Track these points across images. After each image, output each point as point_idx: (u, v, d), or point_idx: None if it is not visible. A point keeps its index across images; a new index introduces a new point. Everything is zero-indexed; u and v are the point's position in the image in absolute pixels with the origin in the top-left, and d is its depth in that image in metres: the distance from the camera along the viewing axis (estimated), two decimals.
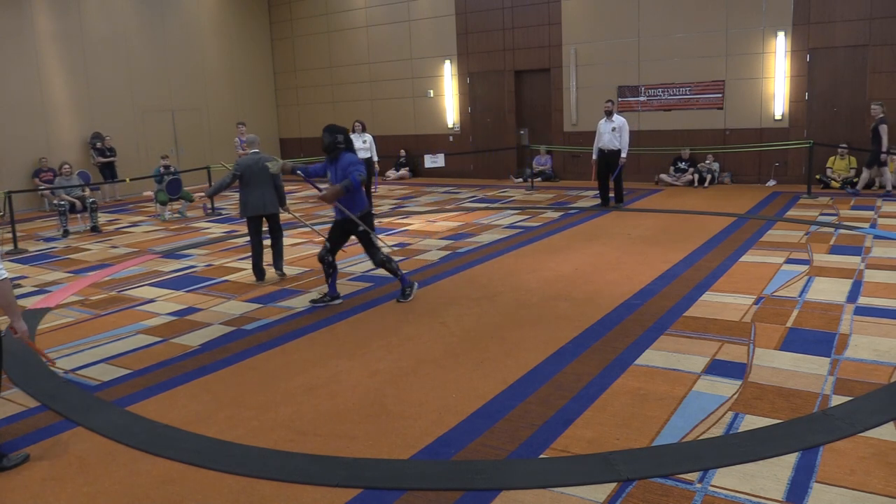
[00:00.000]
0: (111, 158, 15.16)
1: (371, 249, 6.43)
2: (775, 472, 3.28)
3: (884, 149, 11.22)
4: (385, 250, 6.64)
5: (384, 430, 3.92)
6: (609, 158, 11.21)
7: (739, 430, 3.70)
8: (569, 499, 3.16)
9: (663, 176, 13.96)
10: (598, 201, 11.68)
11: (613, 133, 11.13)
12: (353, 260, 8.42)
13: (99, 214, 12.03)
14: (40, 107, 14.65)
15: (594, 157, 11.44)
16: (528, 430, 3.83)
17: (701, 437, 3.65)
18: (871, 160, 11.55)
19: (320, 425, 4.03)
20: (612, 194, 11.49)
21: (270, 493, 3.33)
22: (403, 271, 6.70)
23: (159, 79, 16.90)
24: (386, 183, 16.63)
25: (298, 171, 6.62)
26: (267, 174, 7.22)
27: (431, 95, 17.09)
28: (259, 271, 7.54)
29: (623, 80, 14.53)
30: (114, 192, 15.74)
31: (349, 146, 6.35)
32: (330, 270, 6.47)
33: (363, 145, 11.72)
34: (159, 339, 5.76)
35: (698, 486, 3.20)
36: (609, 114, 11.21)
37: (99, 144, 15.15)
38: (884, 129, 11.18)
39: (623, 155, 11.15)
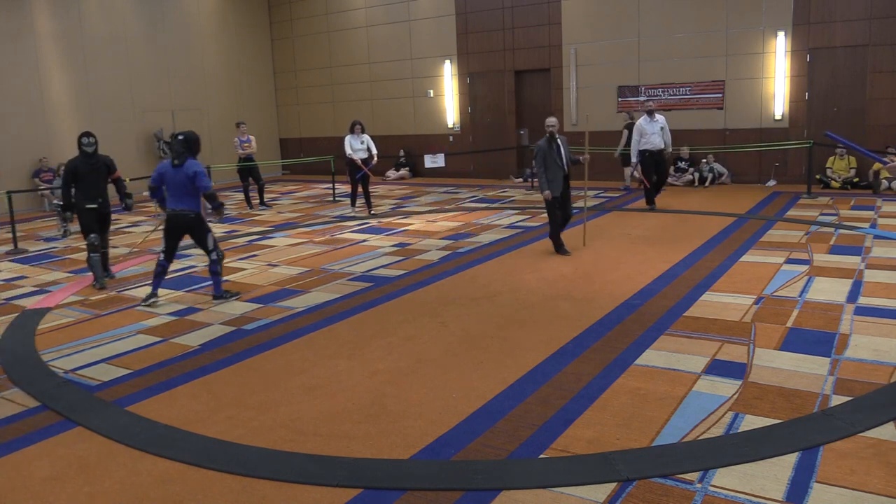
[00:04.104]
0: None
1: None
2: (775, 472, 3.28)
3: (619, 148, 13.18)
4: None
5: (384, 430, 3.92)
6: (658, 158, 10.79)
7: (739, 430, 3.70)
8: (569, 499, 3.16)
9: None
10: (645, 205, 11.10)
11: (661, 133, 10.70)
12: (352, 260, 8.42)
13: None
14: (40, 107, 14.65)
15: (635, 159, 10.87)
16: (528, 430, 3.83)
17: (701, 437, 3.65)
18: (626, 160, 13.22)
19: (320, 425, 4.03)
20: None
21: (270, 493, 3.33)
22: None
23: (159, 79, 16.90)
24: (386, 183, 16.63)
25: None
26: (562, 158, 8.04)
27: (431, 95, 17.08)
28: (557, 242, 8.21)
29: (623, 80, 14.53)
30: None
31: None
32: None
33: (361, 146, 11.75)
34: (159, 339, 5.76)
35: (698, 486, 3.20)
36: (651, 113, 10.74)
37: (169, 139, 15.54)
38: (625, 133, 12.75)
39: (669, 151, 10.95)
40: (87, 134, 7.65)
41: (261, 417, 4.18)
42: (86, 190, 7.57)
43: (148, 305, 6.75)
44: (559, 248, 8.14)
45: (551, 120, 8.11)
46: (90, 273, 8.41)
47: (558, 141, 8.00)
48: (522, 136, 16.23)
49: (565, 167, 8.02)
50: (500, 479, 3.35)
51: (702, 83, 13.76)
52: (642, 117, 10.89)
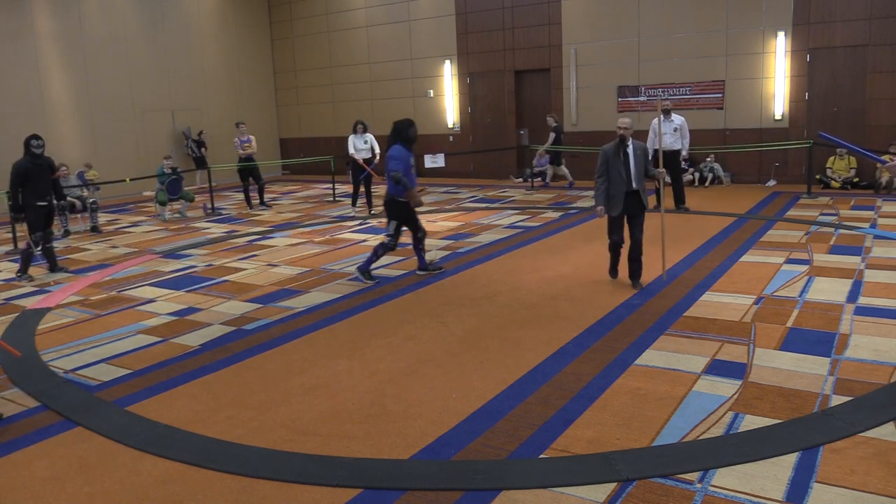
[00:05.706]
0: (204, 151, 17.00)
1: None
2: (775, 472, 3.28)
3: (545, 148, 14.35)
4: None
5: (384, 430, 3.92)
6: (668, 159, 10.40)
7: (739, 430, 3.70)
8: (569, 499, 3.16)
9: None
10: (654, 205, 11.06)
11: (675, 133, 10.55)
12: (352, 260, 8.42)
13: (99, 214, 12.05)
14: (40, 107, 14.65)
15: (651, 156, 10.68)
16: (528, 430, 3.83)
17: (701, 437, 3.65)
18: (552, 159, 14.78)
19: (320, 425, 4.03)
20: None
21: (270, 493, 3.34)
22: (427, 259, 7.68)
23: (159, 79, 16.90)
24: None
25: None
26: (629, 171, 6.43)
27: (431, 95, 17.08)
28: (611, 265, 6.98)
29: (623, 80, 14.53)
30: (204, 179, 16.39)
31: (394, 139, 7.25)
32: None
33: (364, 145, 11.75)
34: (159, 339, 5.76)
35: (698, 486, 3.20)
36: (667, 112, 10.56)
37: (196, 137, 17.05)
38: (552, 136, 14.02)
39: (684, 154, 10.80)
40: (37, 136, 8.05)
41: (261, 417, 4.18)
42: (36, 189, 7.92)
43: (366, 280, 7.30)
44: (611, 271, 6.94)
45: (624, 121, 6.43)
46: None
47: (629, 148, 6.39)
48: (522, 136, 16.24)
49: (633, 183, 6.38)
50: (500, 479, 3.35)
51: (702, 83, 13.76)
52: (659, 117, 10.75)
